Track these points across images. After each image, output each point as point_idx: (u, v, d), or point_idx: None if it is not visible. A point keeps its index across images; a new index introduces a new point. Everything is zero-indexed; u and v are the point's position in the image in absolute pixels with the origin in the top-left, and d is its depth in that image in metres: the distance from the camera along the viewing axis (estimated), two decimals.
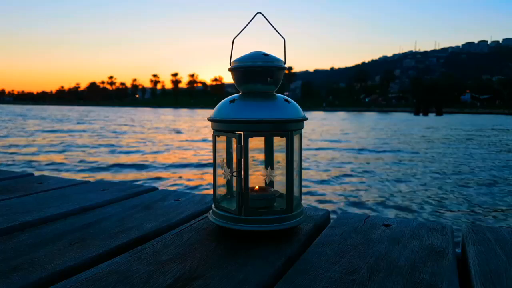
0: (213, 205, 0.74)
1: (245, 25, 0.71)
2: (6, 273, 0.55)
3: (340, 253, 0.63)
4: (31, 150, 9.93)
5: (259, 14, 0.71)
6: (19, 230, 0.73)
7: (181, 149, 10.73)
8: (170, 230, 0.74)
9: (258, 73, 0.70)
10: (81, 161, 8.29)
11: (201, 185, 5.99)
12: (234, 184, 0.71)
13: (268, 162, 0.78)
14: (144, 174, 6.84)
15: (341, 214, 0.85)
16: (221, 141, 0.75)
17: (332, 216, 0.86)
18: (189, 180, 6.43)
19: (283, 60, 0.72)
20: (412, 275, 0.55)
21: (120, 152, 9.84)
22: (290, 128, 0.68)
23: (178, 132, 17.42)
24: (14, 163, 7.97)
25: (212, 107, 0.76)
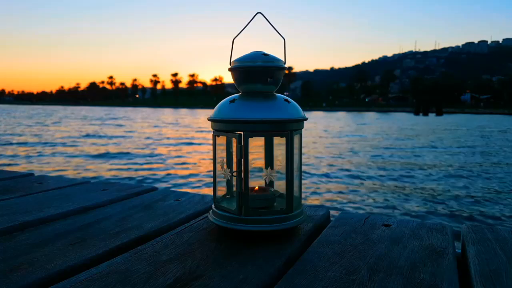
0: (213, 205, 0.74)
1: (245, 25, 0.71)
2: (6, 273, 0.55)
3: (340, 253, 0.63)
4: None
5: (259, 14, 0.71)
6: (19, 230, 0.73)
7: None
8: (170, 230, 0.74)
9: (258, 73, 0.70)
10: None
11: None
12: (234, 184, 0.71)
13: (268, 162, 0.78)
14: None
15: (341, 214, 0.85)
16: (221, 141, 0.75)
17: (332, 215, 0.86)
18: None
19: (283, 60, 0.72)
20: (412, 275, 0.55)
21: None
22: (290, 128, 0.68)
23: None
24: None
25: (212, 107, 0.76)
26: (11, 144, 11.91)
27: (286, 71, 0.75)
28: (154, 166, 7.91)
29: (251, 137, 0.67)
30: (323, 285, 0.52)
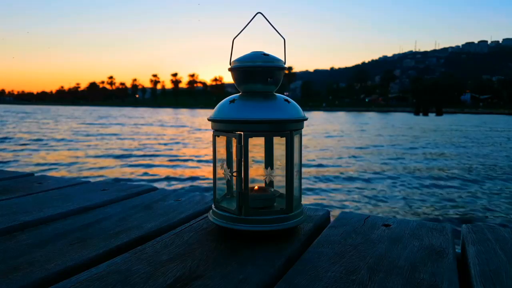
0: (213, 205, 0.74)
1: (245, 25, 0.71)
2: (6, 273, 0.55)
3: (340, 253, 0.63)
4: None
5: (259, 14, 0.71)
6: (19, 230, 0.73)
7: None
8: (170, 230, 0.74)
9: (258, 73, 0.70)
10: None
11: None
12: (234, 184, 0.71)
13: (268, 162, 0.78)
14: None
15: (341, 214, 0.85)
16: (221, 141, 0.75)
17: (332, 215, 0.86)
18: None
19: (283, 60, 0.72)
20: (412, 275, 0.55)
21: None
22: (290, 128, 0.68)
23: None
24: None
25: (212, 107, 0.76)
26: (8, 140, 11.96)
27: (286, 71, 0.75)
28: (154, 165, 7.91)
29: (251, 137, 0.67)
30: (323, 285, 0.52)
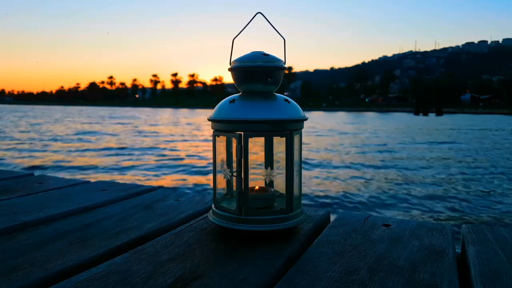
0: (213, 205, 0.74)
1: (245, 25, 0.71)
2: (6, 273, 0.55)
3: (340, 253, 0.63)
4: None
5: (259, 14, 0.71)
6: (19, 230, 0.73)
7: None
8: (170, 230, 0.74)
9: (258, 73, 0.70)
10: None
11: None
12: (234, 184, 0.71)
13: (268, 162, 0.78)
14: None
15: (341, 214, 0.85)
16: (221, 141, 0.75)
17: (332, 215, 0.86)
18: None
19: (283, 60, 0.72)
20: (412, 275, 0.55)
21: None
22: (290, 128, 0.68)
23: None
24: None
25: (212, 107, 0.76)
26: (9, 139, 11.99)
27: (286, 71, 0.75)
28: (154, 165, 7.91)
29: (251, 137, 0.67)
30: (323, 285, 0.52)
